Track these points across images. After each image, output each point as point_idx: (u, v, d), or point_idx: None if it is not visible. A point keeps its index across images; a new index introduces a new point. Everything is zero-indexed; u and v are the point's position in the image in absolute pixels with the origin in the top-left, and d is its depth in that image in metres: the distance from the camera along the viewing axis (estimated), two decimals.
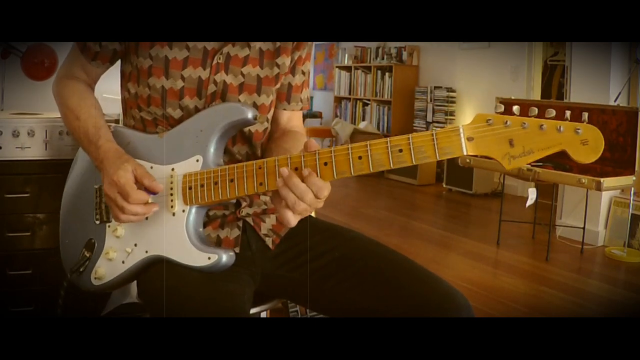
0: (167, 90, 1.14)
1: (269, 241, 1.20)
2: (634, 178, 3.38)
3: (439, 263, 3.48)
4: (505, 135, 0.88)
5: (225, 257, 1.06)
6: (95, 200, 1.20)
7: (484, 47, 5.70)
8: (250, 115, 1.08)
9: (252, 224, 1.19)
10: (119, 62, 1.25)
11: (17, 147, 1.88)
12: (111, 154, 1.11)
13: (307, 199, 0.95)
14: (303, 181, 0.95)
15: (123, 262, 1.14)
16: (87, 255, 1.18)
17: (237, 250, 1.15)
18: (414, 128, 6.40)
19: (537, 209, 3.85)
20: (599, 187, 3.17)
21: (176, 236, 1.09)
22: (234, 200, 1.18)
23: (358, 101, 7.29)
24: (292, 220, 0.98)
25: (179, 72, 1.14)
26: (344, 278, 1.13)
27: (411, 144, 0.91)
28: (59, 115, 1.23)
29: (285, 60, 1.22)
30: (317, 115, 7.87)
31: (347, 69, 7.47)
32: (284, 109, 1.29)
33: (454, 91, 6.11)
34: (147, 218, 1.10)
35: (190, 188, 1.08)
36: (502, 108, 0.89)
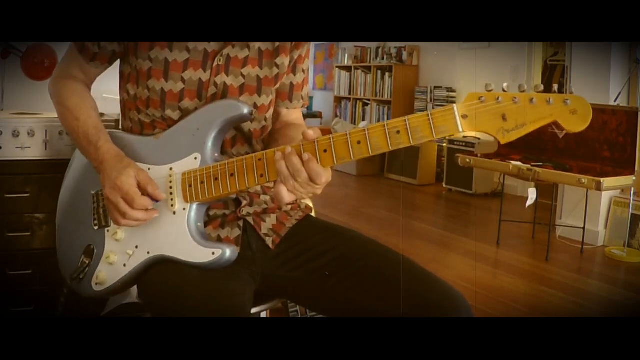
0: (166, 92, 1.14)
1: (269, 241, 1.20)
2: (634, 178, 3.38)
3: (439, 263, 3.48)
4: (498, 110, 0.90)
5: (229, 252, 1.06)
6: (92, 205, 1.19)
7: (484, 47, 5.70)
8: (246, 110, 1.09)
9: (252, 223, 1.19)
10: (118, 62, 1.24)
11: (17, 147, 1.88)
12: (111, 156, 1.11)
13: (300, 179, 0.96)
14: (302, 165, 0.96)
15: (124, 265, 1.14)
16: (87, 261, 1.17)
17: (238, 250, 1.15)
18: None
19: (537, 209, 3.85)
20: (599, 187, 3.17)
21: (178, 234, 1.09)
22: (234, 199, 1.18)
23: (358, 101, 7.29)
24: (285, 196, 0.98)
25: (179, 74, 1.13)
26: (344, 278, 1.13)
27: (408, 125, 0.93)
28: (58, 115, 1.22)
29: (285, 60, 1.23)
30: (317, 115, 7.87)
31: (347, 69, 7.47)
32: (286, 108, 1.30)
33: (454, 91, 6.11)
34: None
35: (190, 186, 1.08)
36: (492, 86, 0.92)
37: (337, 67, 7.67)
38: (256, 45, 1.19)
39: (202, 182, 1.07)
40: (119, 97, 1.25)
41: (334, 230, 1.23)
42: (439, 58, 6.42)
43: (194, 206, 1.09)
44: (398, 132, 0.93)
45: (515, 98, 0.90)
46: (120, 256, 1.14)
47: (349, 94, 7.42)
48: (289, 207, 1.25)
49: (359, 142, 0.95)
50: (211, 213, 1.17)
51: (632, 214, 3.67)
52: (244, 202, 1.19)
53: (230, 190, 1.05)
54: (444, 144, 5.68)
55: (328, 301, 1.16)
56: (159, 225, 1.11)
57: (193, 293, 1.04)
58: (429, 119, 0.92)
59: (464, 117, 0.91)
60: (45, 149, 1.91)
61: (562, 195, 4.07)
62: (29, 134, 1.89)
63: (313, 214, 1.33)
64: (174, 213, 1.10)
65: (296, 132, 1.20)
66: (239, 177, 1.04)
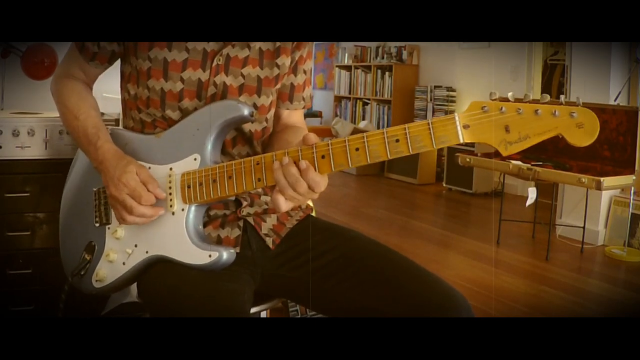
0: (166, 92, 1.13)
1: (269, 241, 1.20)
2: (634, 177, 3.38)
3: (439, 263, 3.48)
4: (500, 121, 0.88)
5: (226, 255, 1.06)
6: (94, 202, 1.20)
7: (484, 47, 5.70)
8: (246, 112, 1.08)
9: (252, 223, 1.19)
10: (119, 61, 1.24)
11: (17, 147, 1.88)
12: (110, 155, 1.11)
13: (300, 189, 0.95)
14: (300, 174, 0.95)
15: (124, 263, 1.14)
16: (88, 258, 1.18)
17: (238, 250, 1.15)
18: None
19: (537, 208, 3.85)
20: (599, 187, 3.17)
21: (176, 235, 1.09)
22: (234, 200, 1.18)
23: (358, 100, 7.29)
24: (283, 205, 0.98)
25: (178, 74, 1.13)
26: (344, 278, 1.13)
27: (408, 133, 0.91)
28: (59, 115, 1.23)
29: (285, 61, 1.22)
30: (317, 114, 7.88)
31: (347, 68, 7.46)
32: (287, 109, 1.29)
33: (454, 90, 6.11)
34: None
35: (189, 187, 1.08)
36: (496, 95, 0.90)
37: (337, 66, 7.67)
38: (257, 45, 1.18)
39: (200, 184, 1.07)
40: (119, 97, 1.25)
41: (334, 230, 1.23)
42: (439, 58, 6.42)
43: (193, 207, 1.09)
44: (397, 140, 0.92)
45: (520, 109, 0.87)
46: (119, 254, 1.15)
47: (349, 93, 7.42)
48: None
49: (357, 149, 0.94)
50: (211, 213, 1.17)
51: (632, 214, 3.67)
52: (245, 203, 1.19)
53: (228, 193, 1.05)
54: None
55: (328, 301, 1.16)
56: (158, 225, 1.11)
57: (192, 293, 1.04)
58: (429, 128, 0.90)
59: (465, 127, 0.89)
60: (45, 148, 1.91)
61: (562, 195, 4.07)
62: (29, 133, 1.89)
63: (313, 213, 1.33)
64: (173, 214, 1.10)
65: (295, 136, 1.20)
66: (237, 180, 1.04)
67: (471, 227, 4.43)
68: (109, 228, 1.17)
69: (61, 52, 2.20)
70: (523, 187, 4.97)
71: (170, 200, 1.10)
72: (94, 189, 1.20)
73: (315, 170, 0.96)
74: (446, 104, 6.08)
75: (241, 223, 1.18)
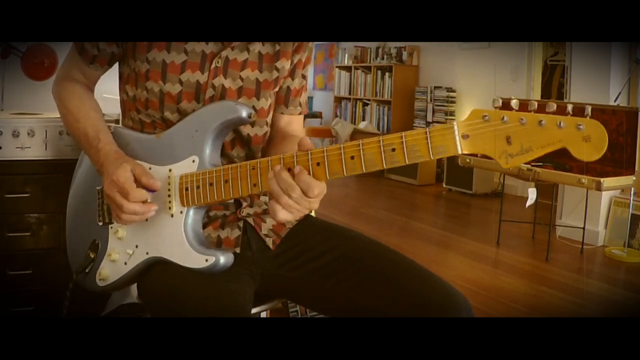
0: (165, 94, 1.13)
1: (269, 241, 1.20)
2: (634, 178, 3.38)
3: (439, 263, 3.48)
4: (502, 132, 0.83)
5: (223, 259, 1.06)
6: (97, 201, 1.20)
7: (484, 47, 5.70)
8: (244, 113, 1.08)
9: (252, 224, 1.19)
10: (118, 63, 1.24)
11: (17, 147, 1.88)
12: (111, 157, 1.11)
13: (294, 194, 0.94)
14: (293, 178, 0.94)
15: (125, 263, 1.14)
16: (92, 256, 1.18)
17: (238, 250, 1.15)
18: (414, 128, 6.40)
19: (537, 209, 3.85)
20: (599, 187, 3.17)
21: (174, 238, 1.09)
22: (234, 200, 1.18)
23: (358, 101, 7.29)
24: (280, 214, 0.96)
25: (176, 76, 1.13)
26: (344, 278, 1.13)
27: (404, 142, 0.89)
28: (59, 116, 1.23)
29: (285, 64, 1.22)
30: (317, 115, 7.88)
31: (347, 69, 7.47)
32: (282, 113, 1.29)
33: (454, 91, 6.11)
34: (146, 220, 1.10)
35: (187, 189, 1.08)
36: (499, 102, 0.85)
37: (337, 67, 7.67)
38: (256, 48, 1.18)
39: (198, 187, 1.07)
40: (118, 97, 1.25)
41: (334, 230, 1.23)
42: (439, 58, 6.42)
43: (191, 210, 1.09)
44: (393, 149, 0.89)
45: (523, 119, 0.82)
46: (121, 255, 1.15)
47: (349, 94, 7.42)
48: None
49: (352, 158, 0.92)
50: (211, 214, 1.17)
51: (632, 214, 3.67)
52: (245, 203, 1.19)
53: (225, 197, 1.04)
54: None
55: (328, 301, 1.16)
56: (158, 226, 1.11)
57: (193, 293, 1.04)
58: (426, 137, 0.87)
59: (464, 136, 0.85)
60: (45, 149, 1.91)
61: (562, 195, 4.07)
62: (29, 134, 1.88)
63: (313, 214, 1.33)
64: (172, 216, 1.10)
65: (291, 147, 1.18)
66: (233, 184, 1.03)
67: (471, 228, 4.43)
68: (111, 228, 1.17)
69: (61, 52, 2.21)
70: (523, 187, 4.97)
71: (169, 202, 1.10)
72: (98, 188, 1.20)
73: (310, 175, 0.95)
74: (446, 104, 6.08)
75: (241, 223, 1.18)
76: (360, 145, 0.91)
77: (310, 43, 1.27)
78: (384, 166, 0.90)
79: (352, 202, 5.19)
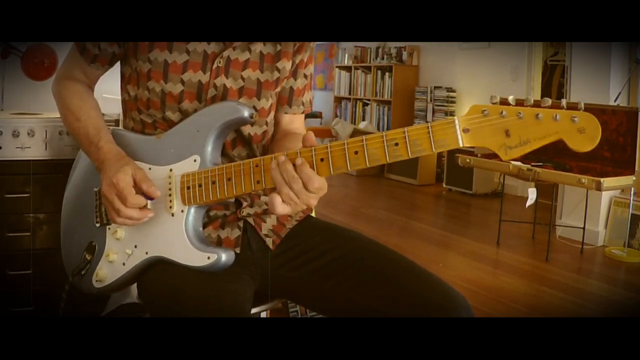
0: (166, 94, 1.14)
1: (269, 241, 1.20)
2: (634, 178, 3.38)
3: (439, 263, 3.48)
4: (501, 125, 0.88)
5: (225, 257, 1.06)
6: (95, 202, 1.20)
7: (484, 47, 5.70)
8: (246, 113, 1.08)
9: (252, 224, 1.19)
10: (119, 62, 1.24)
11: (17, 147, 1.88)
12: (112, 156, 1.11)
13: (295, 185, 0.95)
14: (295, 170, 0.95)
15: (124, 263, 1.14)
16: (88, 258, 1.18)
17: (238, 250, 1.15)
18: None
19: (537, 209, 3.85)
20: (599, 187, 3.17)
21: (175, 237, 1.09)
22: (234, 200, 1.18)
23: (358, 101, 7.29)
24: (279, 207, 0.97)
25: (178, 76, 1.13)
26: (343, 278, 1.13)
27: (407, 137, 0.91)
28: (59, 115, 1.23)
29: (286, 64, 1.22)
30: (317, 115, 7.87)
31: (347, 69, 7.47)
32: (286, 113, 1.29)
33: (454, 91, 6.11)
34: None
35: (188, 188, 1.08)
36: (497, 99, 0.89)
37: (337, 67, 7.67)
38: (257, 48, 1.18)
39: (199, 185, 1.07)
40: (119, 97, 1.26)
41: (334, 230, 1.23)
42: (439, 58, 6.42)
43: (192, 209, 1.09)
44: (396, 144, 0.91)
45: (520, 113, 0.87)
46: (119, 255, 1.15)
47: (349, 94, 7.42)
48: None
49: (356, 153, 0.94)
50: (211, 214, 1.17)
51: (632, 214, 3.67)
52: (245, 203, 1.19)
53: (227, 195, 1.05)
54: None
55: (328, 301, 1.16)
56: (158, 226, 1.11)
57: (192, 293, 1.04)
58: (428, 132, 0.90)
59: (465, 130, 0.89)
60: (45, 149, 1.91)
61: (562, 195, 4.07)
62: (29, 134, 1.89)
63: (313, 214, 1.33)
64: (172, 215, 1.10)
65: (296, 144, 1.19)
66: (235, 182, 1.03)
67: (471, 228, 4.43)
68: (109, 228, 1.17)
69: (61, 52, 2.21)
70: (523, 187, 4.97)
71: (170, 201, 1.10)
72: (95, 189, 1.20)
73: (314, 170, 0.95)
74: (446, 104, 6.08)
75: (241, 224, 1.18)
76: (364, 140, 0.93)
77: (312, 43, 1.27)
78: (387, 160, 0.93)
79: (352, 202, 5.19)
